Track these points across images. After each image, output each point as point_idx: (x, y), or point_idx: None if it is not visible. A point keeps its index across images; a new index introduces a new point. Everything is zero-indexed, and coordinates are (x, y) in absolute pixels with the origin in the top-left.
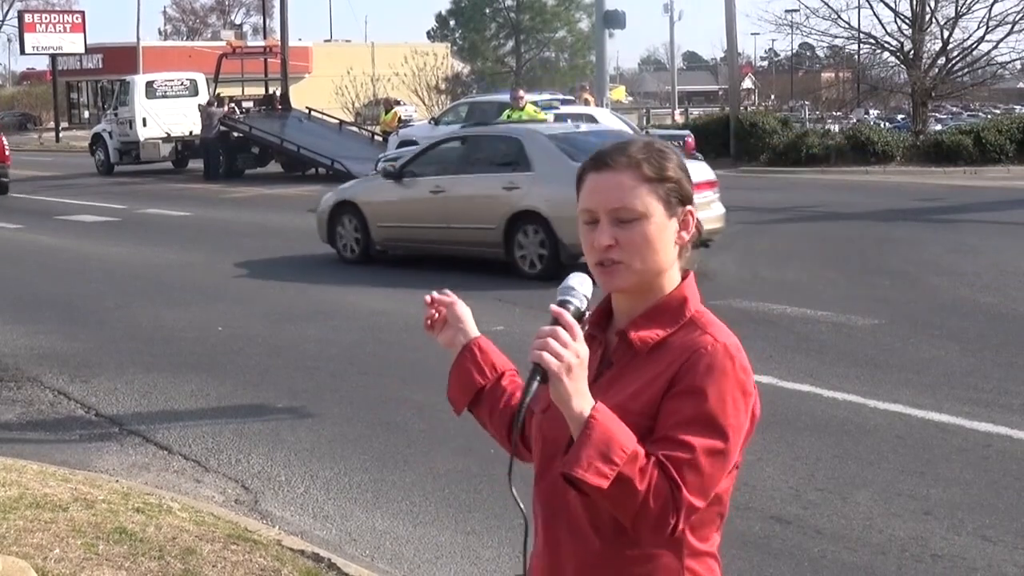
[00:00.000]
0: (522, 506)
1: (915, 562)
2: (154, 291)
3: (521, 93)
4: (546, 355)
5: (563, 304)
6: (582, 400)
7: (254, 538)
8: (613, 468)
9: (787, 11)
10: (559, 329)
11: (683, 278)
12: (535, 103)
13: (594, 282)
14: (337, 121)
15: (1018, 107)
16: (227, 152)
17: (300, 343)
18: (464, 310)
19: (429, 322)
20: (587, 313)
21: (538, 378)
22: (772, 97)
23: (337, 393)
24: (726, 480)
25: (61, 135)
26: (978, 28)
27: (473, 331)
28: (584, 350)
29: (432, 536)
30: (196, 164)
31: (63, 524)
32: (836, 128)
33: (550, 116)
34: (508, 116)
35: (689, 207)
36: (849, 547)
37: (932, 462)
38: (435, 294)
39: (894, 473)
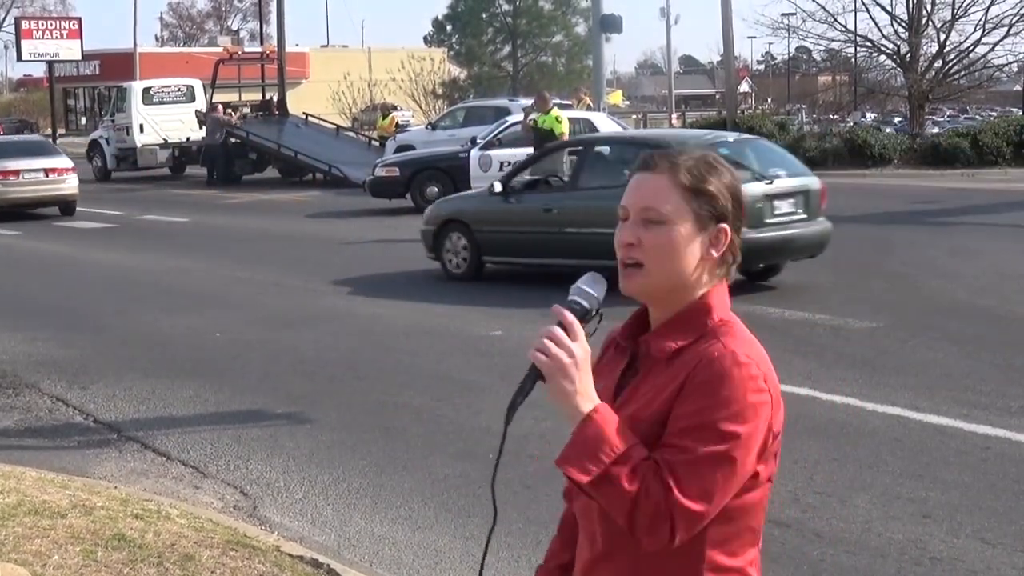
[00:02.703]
0: (495, 505)
1: (914, 565)
2: (152, 297)
3: (546, 96)
4: (538, 353)
5: (570, 304)
6: (579, 399)
7: (253, 544)
8: (599, 465)
9: (783, 15)
10: (555, 328)
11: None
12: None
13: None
14: (334, 126)
15: (1015, 109)
16: (225, 158)
17: (298, 348)
18: None
19: None
20: (595, 313)
21: (535, 377)
22: (769, 100)
23: (335, 398)
24: (753, 493)
25: (58, 141)
26: (974, 31)
27: None
28: (580, 350)
29: (431, 541)
30: (193, 170)
31: (62, 531)
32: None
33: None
34: (534, 121)
35: (723, 225)
36: (848, 550)
37: (931, 465)
38: None
39: (893, 476)
